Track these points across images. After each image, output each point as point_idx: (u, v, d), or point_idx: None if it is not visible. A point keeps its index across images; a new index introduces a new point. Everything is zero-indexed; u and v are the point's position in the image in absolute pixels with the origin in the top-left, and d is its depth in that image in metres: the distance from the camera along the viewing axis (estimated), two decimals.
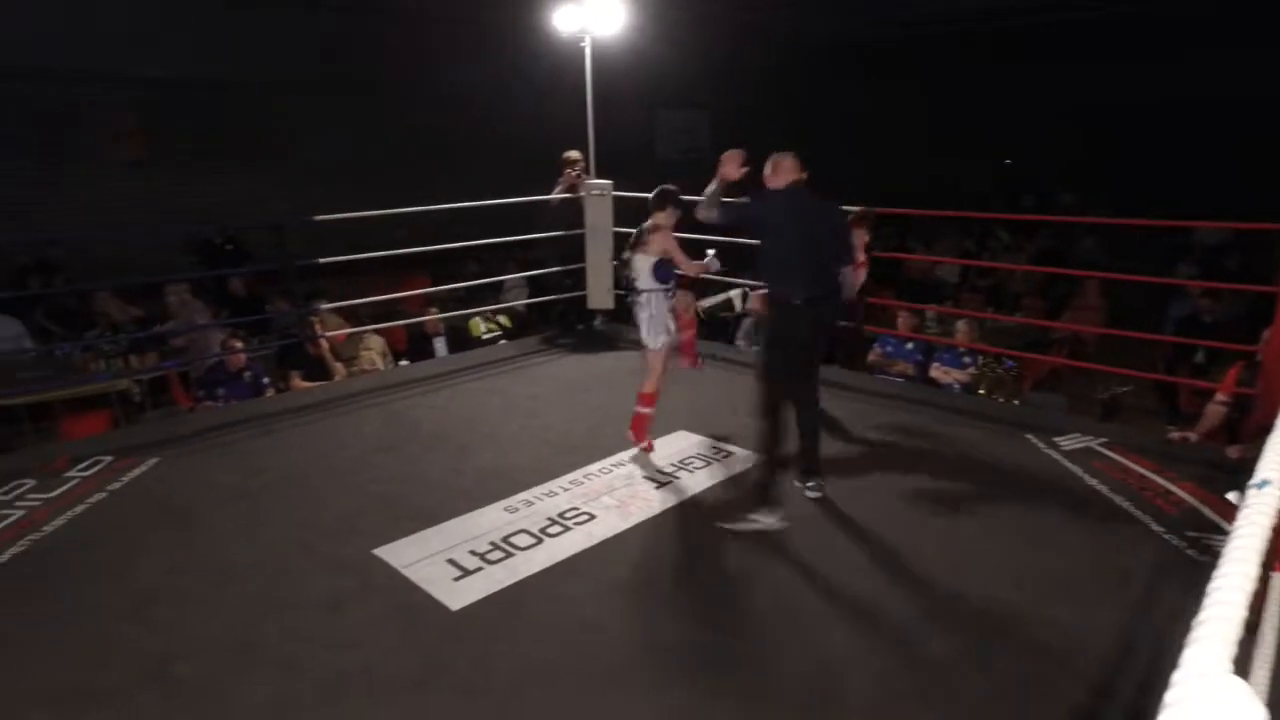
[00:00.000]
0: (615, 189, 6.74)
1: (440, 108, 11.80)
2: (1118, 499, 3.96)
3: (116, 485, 4.26)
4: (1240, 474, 4.02)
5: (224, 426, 5.13)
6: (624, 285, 4.77)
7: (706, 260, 4.64)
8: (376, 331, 7.04)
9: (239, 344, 6.05)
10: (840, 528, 3.72)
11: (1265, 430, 4.27)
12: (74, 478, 4.35)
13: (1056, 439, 4.68)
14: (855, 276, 5.18)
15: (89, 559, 3.53)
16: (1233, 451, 4.37)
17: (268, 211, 9.52)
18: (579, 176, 6.92)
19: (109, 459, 4.58)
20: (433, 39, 11.55)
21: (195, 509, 3.98)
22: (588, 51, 6.66)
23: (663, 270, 4.47)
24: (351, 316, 7.47)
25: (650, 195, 4.59)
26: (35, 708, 2.61)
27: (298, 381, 6.28)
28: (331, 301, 6.76)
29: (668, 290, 4.53)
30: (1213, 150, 13.49)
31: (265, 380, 6.09)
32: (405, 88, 11.53)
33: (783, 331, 3.87)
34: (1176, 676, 0.79)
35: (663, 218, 4.50)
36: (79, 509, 3.99)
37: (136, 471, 4.44)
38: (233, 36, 10.16)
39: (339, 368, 6.48)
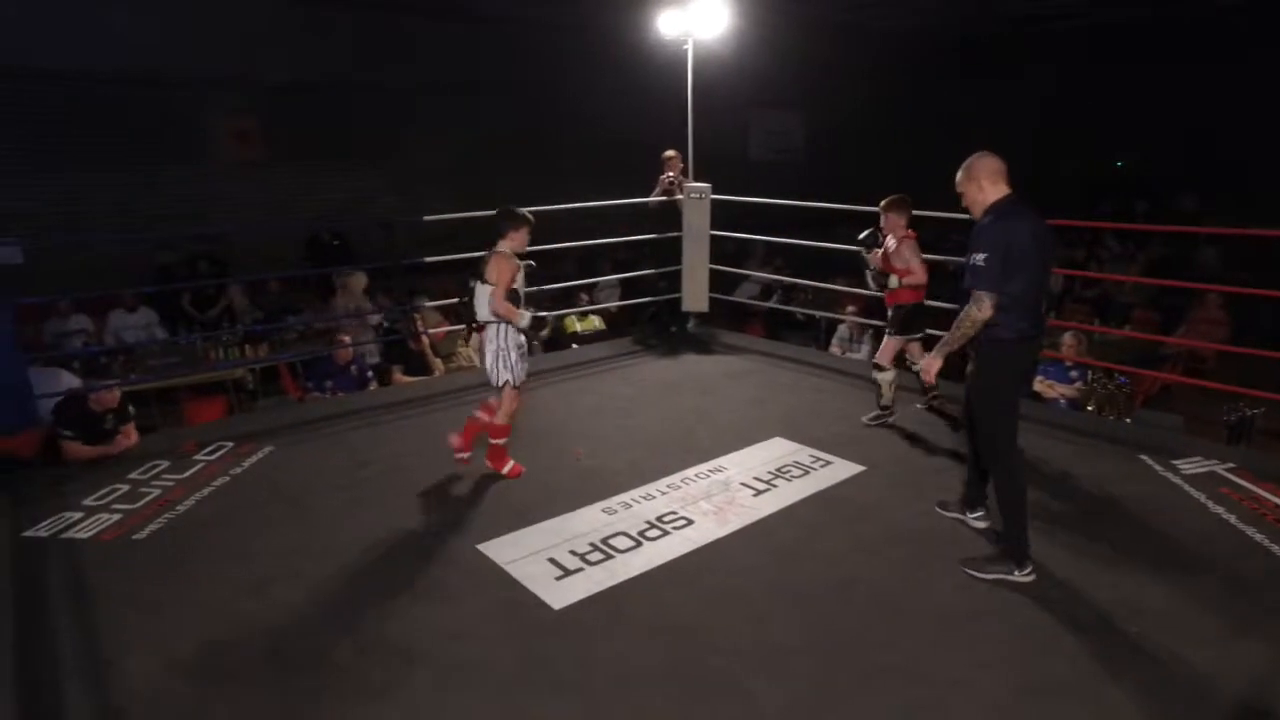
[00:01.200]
0: (713, 192, 6.74)
1: (544, 110, 12.03)
2: (1249, 530, 3.72)
3: (238, 470, 4.52)
4: None
5: (332, 417, 5.37)
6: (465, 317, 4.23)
7: (528, 317, 4.14)
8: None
9: (347, 338, 6.32)
10: (947, 543, 3.62)
11: None
12: (201, 461, 4.65)
13: (1175, 462, 4.44)
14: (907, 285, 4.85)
15: (217, 537, 3.77)
16: None
17: (376, 210, 9.91)
18: (673, 181, 6.94)
19: (230, 445, 4.87)
20: (539, 43, 11.79)
21: (308, 495, 4.19)
22: (689, 55, 6.67)
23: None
24: (451, 314, 7.69)
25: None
26: (174, 678, 2.81)
27: (399, 376, 6.52)
28: (431, 299, 6.98)
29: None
30: None
31: (369, 374, 6.34)
32: (512, 91, 11.80)
33: (1022, 369, 3.42)
34: None
35: (505, 243, 4.07)
36: (206, 490, 4.26)
37: (255, 458, 4.70)
38: (339, 42, 10.62)
39: (438, 364, 6.69)
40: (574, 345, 7.59)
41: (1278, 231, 4.90)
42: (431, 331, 6.69)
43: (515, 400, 4.35)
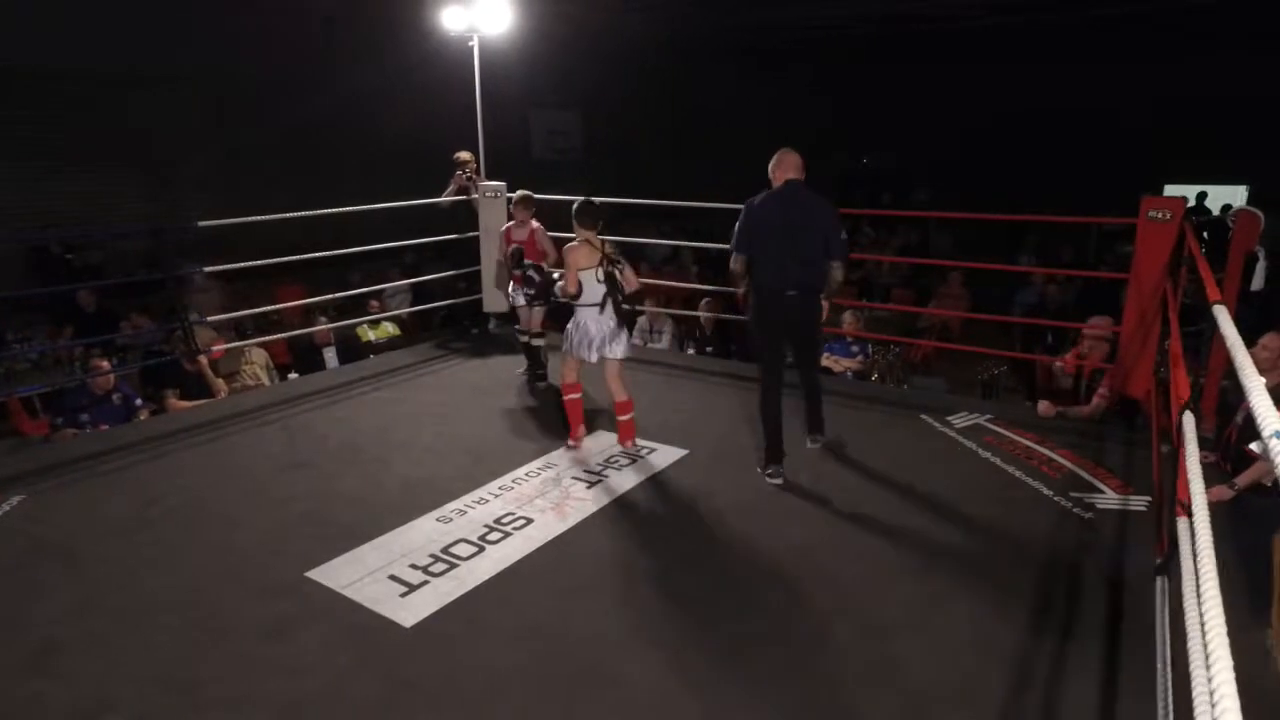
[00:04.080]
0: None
1: (320, 107, 11.19)
2: (1010, 469, 4.35)
3: None
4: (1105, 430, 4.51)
5: (100, 454, 4.67)
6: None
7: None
8: (259, 344, 6.61)
9: (105, 364, 5.52)
10: (776, 513, 3.87)
11: (1120, 394, 4.84)
12: None
13: (949, 418, 5.06)
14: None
15: None
16: (1083, 410, 5.03)
17: (119, 218, 8.67)
18: (469, 178, 6.79)
19: None
20: (314, 35, 10.94)
21: (89, 545, 3.62)
22: (475, 50, 6.55)
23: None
24: (227, 329, 6.98)
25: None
26: None
27: (175, 401, 5.81)
28: (199, 314, 6.27)
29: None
30: (1045, 154, 14.97)
31: (138, 402, 5.59)
32: (283, 85, 10.84)
33: (771, 315, 4.23)
34: None
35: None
36: None
37: (1, 510, 3.98)
38: (76, 21, 9.18)
39: (220, 384, 6.04)
40: (371, 355, 7.18)
41: (1005, 216, 5.76)
42: (218, 348, 6.00)
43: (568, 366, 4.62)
